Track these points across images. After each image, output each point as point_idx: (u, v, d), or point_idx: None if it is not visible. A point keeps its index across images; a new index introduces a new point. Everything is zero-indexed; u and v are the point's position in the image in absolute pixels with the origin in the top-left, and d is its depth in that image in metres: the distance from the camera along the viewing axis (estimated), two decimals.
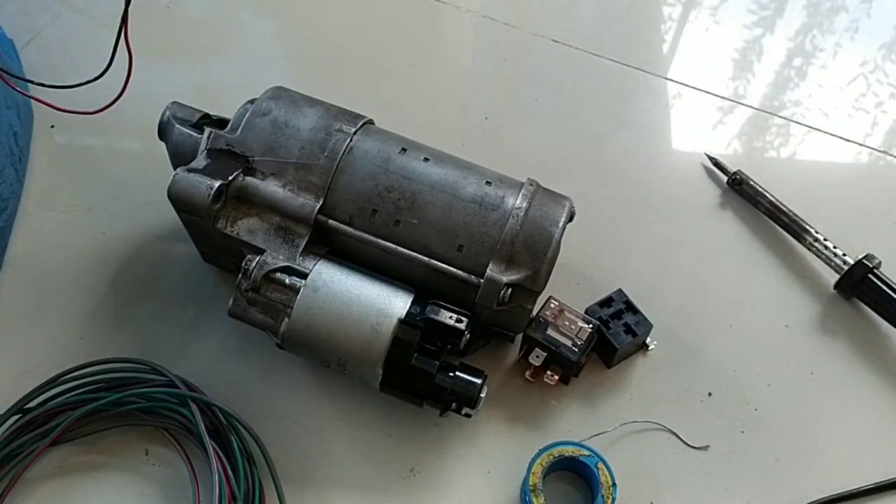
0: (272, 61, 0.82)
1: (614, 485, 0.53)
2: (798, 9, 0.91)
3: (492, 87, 0.83)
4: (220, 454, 0.52)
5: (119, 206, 0.69)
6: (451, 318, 0.53)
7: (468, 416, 0.54)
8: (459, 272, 0.54)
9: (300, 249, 0.54)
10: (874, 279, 0.63)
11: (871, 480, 0.57)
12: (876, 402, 0.61)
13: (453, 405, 0.54)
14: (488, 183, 0.56)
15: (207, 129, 0.57)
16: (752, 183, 0.71)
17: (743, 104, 0.81)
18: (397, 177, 0.55)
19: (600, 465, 0.53)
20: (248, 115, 0.57)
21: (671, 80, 0.83)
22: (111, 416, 0.56)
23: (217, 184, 0.52)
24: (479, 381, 0.54)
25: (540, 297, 0.56)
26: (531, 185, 0.56)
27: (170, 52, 0.82)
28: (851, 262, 0.64)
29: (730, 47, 0.86)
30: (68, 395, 0.55)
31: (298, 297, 0.52)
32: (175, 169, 0.54)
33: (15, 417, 0.54)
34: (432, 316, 0.52)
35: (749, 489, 0.57)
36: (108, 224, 0.68)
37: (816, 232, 0.67)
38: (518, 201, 0.55)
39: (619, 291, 0.61)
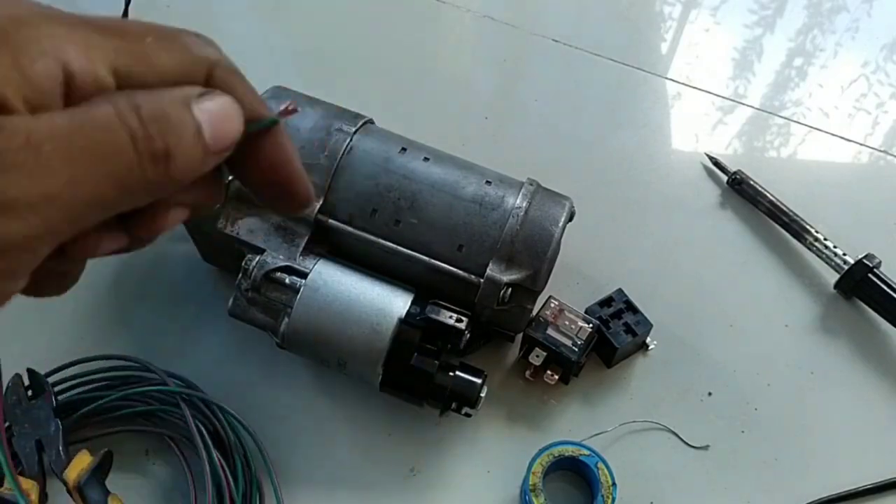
0: (272, 61, 0.82)
1: (614, 484, 0.53)
2: (798, 9, 0.91)
3: (492, 87, 0.83)
4: (219, 454, 0.52)
5: None
6: (451, 317, 0.53)
7: (468, 415, 0.54)
8: (459, 272, 0.54)
9: (300, 249, 0.54)
10: (874, 279, 0.63)
11: (871, 480, 0.57)
12: (876, 401, 0.61)
13: (453, 405, 0.54)
14: (488, 183, 0.56)
15: None
16: (752, 183, 0.71)
17: (743, 104, 0.81)
18: (397, 176, 0.55)
19: (600, 464, 0.53)
20: None
21: (671, 79, 0.83)
22: (111, 419, 0.56)
23: None
24: (479, 380, 0.54)
25: (540, 297, 0.56)
26: (531, 184, 0.56)
27: None
28: (851, 261, 0.64)
29: (730, 47, 0.86)
30: (68, 394, 0.55)
31: (298, 296, 0.52)
32: None
33: None
34: (432, 316, 0.52)
35: (749, 489, 0.57)
36: None
37: (816, 232, 0.67)
38: (518, 201, 0.55)
39: (619, 291, 0.61)
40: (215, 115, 0.22)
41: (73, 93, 0.19)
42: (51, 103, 0.19)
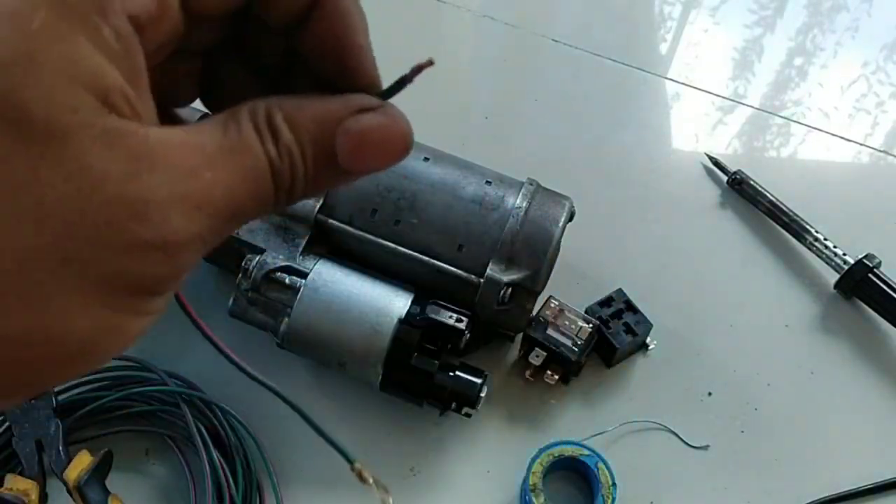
0: None
1: (614, 484, 0.53)
2: (798, 8, 0.91)
3: (492, 87, 0.83)
4: (219, 454, 0.52)
5: None
6: (451, 317, 0.53)
7: (468, 415, 0.54)
8: (460, 272, 0.54)
9: (300, 249, 0.54)
10: (874, 279, 0.63)
11: (872, 480, 0.57)
12: (876, 401, 0.61)
13: (453, 405, 0.54)
14: (488, 182, 0.56)
15: None
16: (752, 183, 0.71)
17: (743, 104, 0.81)
18: (397, 176, 0.55)
19: (600, 464, 0.53)
20: None
21: (671, 79, 0.83)
22: (111, 419, 0.56)
23: None
24: (479, 380, 0.54)
25: (540, 297, 0.56)
26: (531, 184, 0.56)
27: None
28: (851, 261, 0.64)
29: (730, 47, 0.86)
30: (68, 395, 0.55)
31: (298, 296, 0.52)
32: None
33: None
34: (432, 316, 0.52)
35: (749, 489, 0.57)
36: None
37: (816, 231, 0.67)
38: (518, 201, 0.55)
39: (619, 291, 0.61)
40: (368, 139, 0.20)
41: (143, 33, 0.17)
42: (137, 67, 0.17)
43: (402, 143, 0.20)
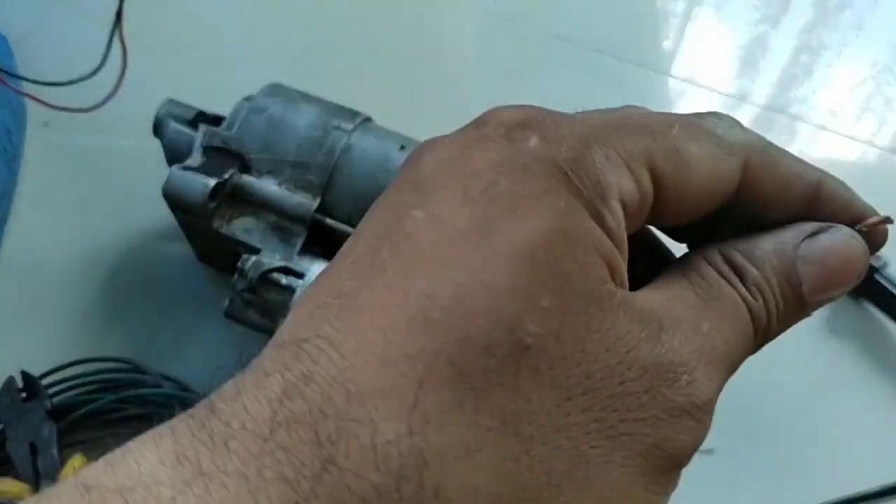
0: (269, 58, 0.81)
1: None
2: (804, 6, 0.90)
3: (492, 86, 0.82)
4: None
5: (113, 204, 0.68)
6: None
7: None
8: None
9: (297, 249, 0.53)
10: (881, 279, 0.63)
11: (877, 484, 0.56)
12: (882, 403, 0.60)
13: None
14: None
15: (203, 127, 0.56)
16: None
17: (748, 102, 0.80)
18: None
19: None
20: (243, 112, 0.56)
21: (675, 77, 0.82)
22: (106, 422, 0.55)
23: (213, 182, 0.51)
24: None
25: None
26: None
27: (165, 48, 0.81)
28: None
29: (734, 44, 0.86)
30: (62, 397, 0.55)
31: (295, 298, 0.51)
32: (170, 167, 0.54)
33: None
34: None
35: (751, 491, 0.56)
36: (103, 223, 0.67)
37: None
38: None
39: None
40: (832, 261, 0.20)
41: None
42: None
43: (862, 261, 0.21)
